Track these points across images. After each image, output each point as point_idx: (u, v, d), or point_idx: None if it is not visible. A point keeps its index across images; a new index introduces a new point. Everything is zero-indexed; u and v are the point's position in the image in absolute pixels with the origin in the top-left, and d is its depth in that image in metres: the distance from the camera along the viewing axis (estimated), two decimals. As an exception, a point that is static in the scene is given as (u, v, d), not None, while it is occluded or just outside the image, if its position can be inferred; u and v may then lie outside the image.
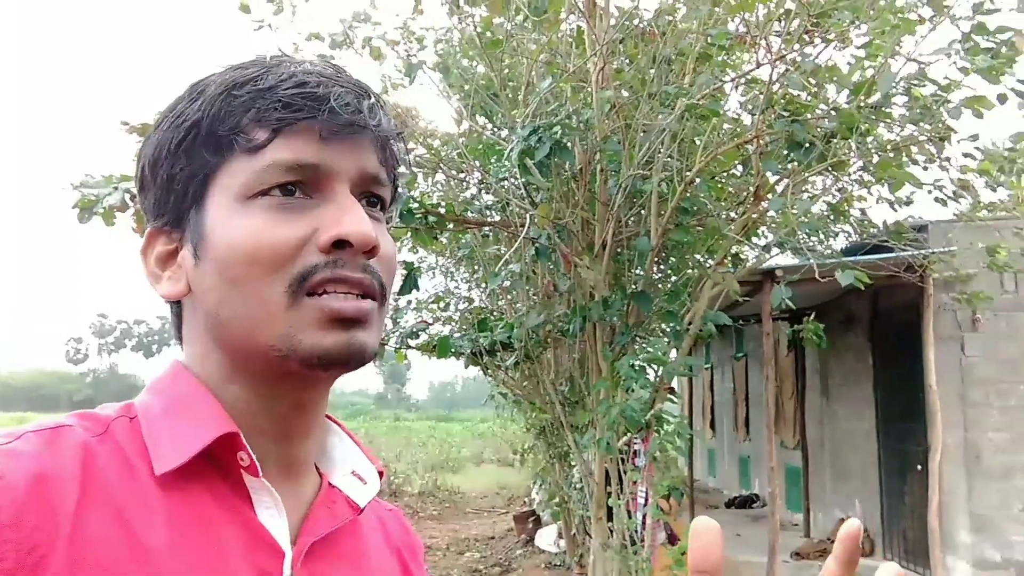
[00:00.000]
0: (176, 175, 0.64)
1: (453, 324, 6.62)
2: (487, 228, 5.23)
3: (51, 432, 0.58)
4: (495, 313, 6.05)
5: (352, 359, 0.63)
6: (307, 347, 0.61)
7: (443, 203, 5.07)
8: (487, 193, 5.39)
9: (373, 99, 0.66)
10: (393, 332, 5.33)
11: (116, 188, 3.65)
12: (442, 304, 6.61)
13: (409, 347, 5.56)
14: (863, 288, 3.87)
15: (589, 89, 4.06)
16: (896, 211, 4.82)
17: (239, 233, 0.62)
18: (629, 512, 4.42)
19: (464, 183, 5.70)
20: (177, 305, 0.69)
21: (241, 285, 0.62)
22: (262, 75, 0.63)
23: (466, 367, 5.71)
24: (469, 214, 5.18)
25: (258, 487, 0.63)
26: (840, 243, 5.64)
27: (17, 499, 0.53)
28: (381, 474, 0.74)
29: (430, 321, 6.10)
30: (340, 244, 0.62)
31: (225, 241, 0.62)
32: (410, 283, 4.42)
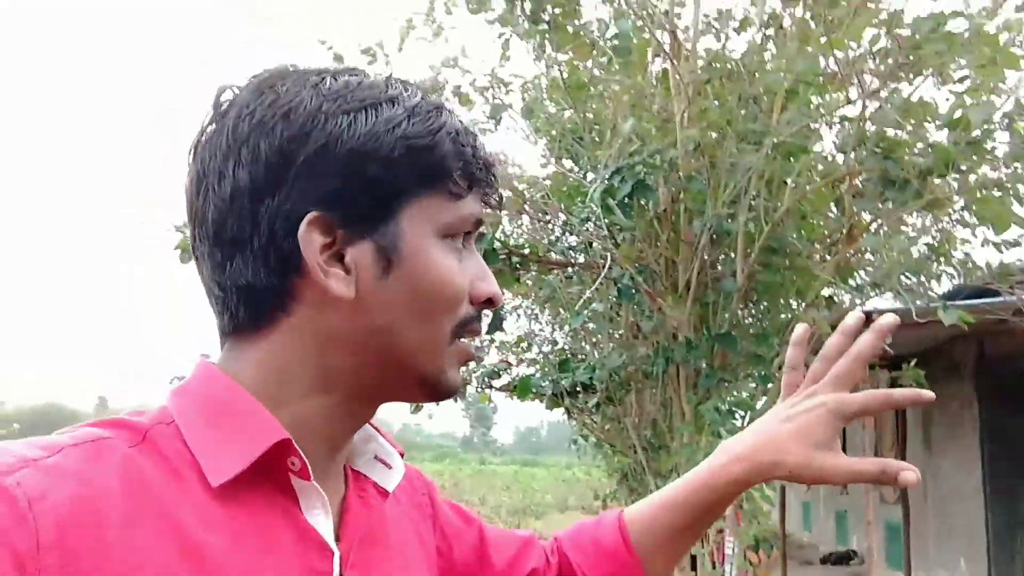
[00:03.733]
0: (382, 182, 0.64)
1: (536, 365, 6.61)
2: (570, 269, 5.23)
3: (91, 446, 0.58)
4: (578, 356, 6.01)
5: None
6: (448, 381, 0.69)
7: (527, 244, 5.10)
8: (571, 234, 5.40)
9: None
10: (475, 372, 5.35)
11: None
12: (524, 345, 6.61)
13: (491, 387, 5.57)
14: (967, 330, 3.68)
15: (673, 128, 4.04)
16: (1002, 252, 4.58)
17: (442, 270, 0.67)
18: (714, 563, 4.27)
19: (548, 225, 5.72)
20: (271, 299, 0.65)
21: (428, 315, 0.67)
22: (471, 132, 0.70)
23: (548, 408, 5.67)
24: (553, 255, 5.19)
25: (308, 490, 0.64)
26: (942, 287, 5.38)
27: (60, 520, 0.52)
28: (402, 454, 0.77)
29: (512, 362, 6.11)
30: (487, 301, 0.70)
31: (429, 272, 0.66)
32: (496, 322, 4.44)
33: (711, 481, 0.88)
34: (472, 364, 5.64)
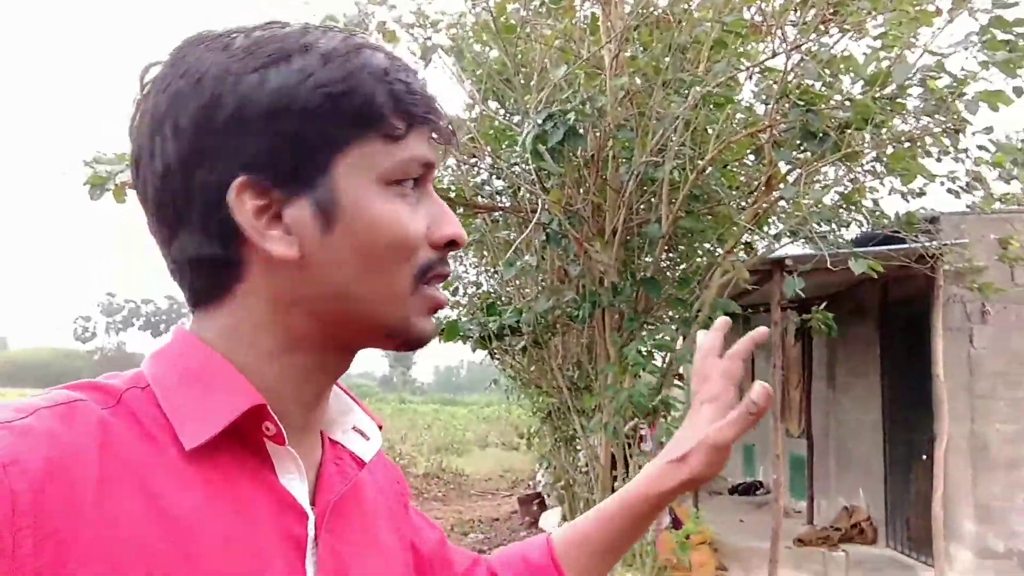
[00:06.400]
0: (306, 136, 0.62)
1: (461, 308, 6.64)
2: (498, 213, 5.24)
3: (65, 408, 0.57)
4: (503, 298, 6.07)
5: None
6: (416, 331, 0.68)
7: (453, 187, 5.08)
8: (498, 179, 5.39)
9: None
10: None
11: (128, 165, 3.64)
12: (450, 288, 6.62)
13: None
14: (875, 276, 3.88)
15: (603, 76, 4.05)
16: (908, 202, 4.82)
17: (386, 218, 0.64)
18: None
19: (475, 168, 5.70)
20: (222, 269, 0.64)
21: (379, 266, 0.65)
22: (402, 67, 0.66)
23: (473, 351, 5.72)
24: (480, 199, 5.19)
25: (282, 454, 0.64)
26: (852, 233, 5.63)
27: (34, 484, 0.52)
28: (380, 427, 0.77)
29: (439, 304, 6.11)
30: (449, 244, 0.68)
31: (373, 222, 0.64)
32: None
33: (648, 491, 0.92)
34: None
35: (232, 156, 0.61)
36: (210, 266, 0.64)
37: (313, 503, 0.66)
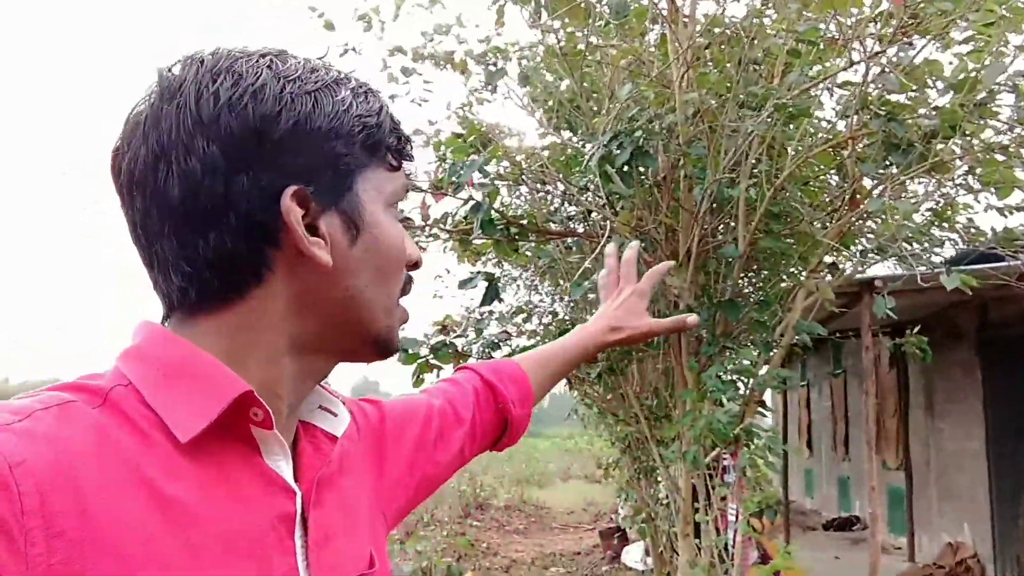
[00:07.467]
0: (343, 157, 0.70)
1: (537, 337, 6.57)
2: (570, 239, 5.18)
3: (59, 409, 0.59)
4: (577, 325, 5.98)
5: None
6: (396, 341, 0.77)
7: (525, 215, 5.05)
8: (569, 204, 5.34)
9: None
10: (475, 342, 5.33)
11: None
12: (524, 316, 6.58)
13: (492, 358, 5.55)
14: (970, 293, 3.64)
15: (671, 93, 3.97)
16: (1007, 217, 4.52)
17: (396, 236, 0.75)
18: (717, 529, 4.28)
19: (547, 195, 5.66)
20: (247, 270, 0.67)
21: (385, 278, 0.74)
22: (392, 111, 0.77)
23: (550, 380, 5.64)
24: (551, 225, 5.14)
25: (268, 439, 0.68)
26: (946, 252, 5.33)
27: (41, 484, 0.54)
28: (344, 402, 0.83)
29: (513, 332, 6.08)
30: (414, 265, 0.79)
31: (387, 239, 0.74)
32: (492, 294, 4.40)
33: (589, 343, 1.24)
34: (472, 335, 5.62)
35: (283, 166, 0.67)
36: (236, 267, 0.67)
37: (296, 481, 0.71)
